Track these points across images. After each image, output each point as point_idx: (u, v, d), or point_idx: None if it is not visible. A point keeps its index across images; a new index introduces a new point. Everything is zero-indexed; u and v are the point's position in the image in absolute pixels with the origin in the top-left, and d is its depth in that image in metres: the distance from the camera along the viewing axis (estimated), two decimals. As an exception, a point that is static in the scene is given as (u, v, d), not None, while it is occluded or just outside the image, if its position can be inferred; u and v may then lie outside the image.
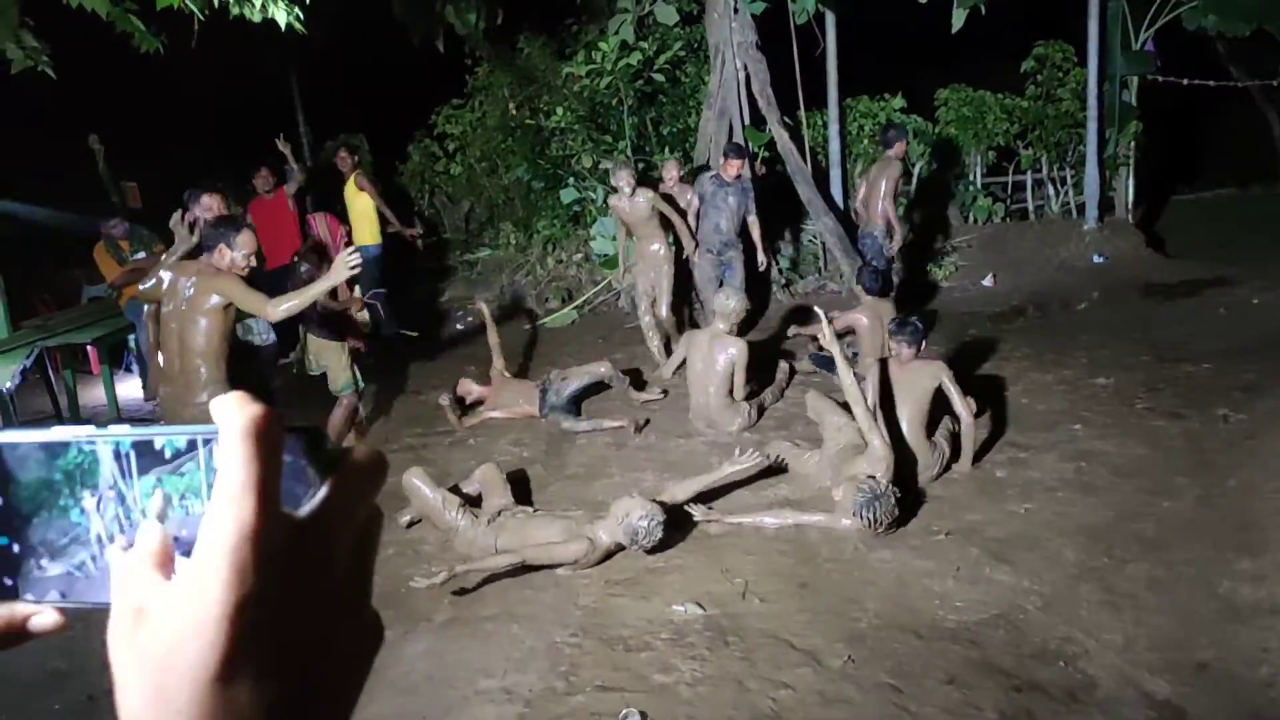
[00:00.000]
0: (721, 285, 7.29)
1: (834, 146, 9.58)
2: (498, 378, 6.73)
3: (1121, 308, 8.09)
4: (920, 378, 5.07)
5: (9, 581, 0.48)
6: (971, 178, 10.32)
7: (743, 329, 6.36)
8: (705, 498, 4.82)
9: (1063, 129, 10.00)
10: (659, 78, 9.40)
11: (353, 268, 4.46)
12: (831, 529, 4.53)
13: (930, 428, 5.12)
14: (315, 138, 11.64)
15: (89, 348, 7.55)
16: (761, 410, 6.23)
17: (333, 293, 5.57)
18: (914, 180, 9.91)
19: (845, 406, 5.38)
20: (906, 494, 4.68)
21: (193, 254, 4.73)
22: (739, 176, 7.42)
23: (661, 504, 4.38)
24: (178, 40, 5.35)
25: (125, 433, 0.47)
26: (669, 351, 7.19)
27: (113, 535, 0.47)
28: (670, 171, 7.73)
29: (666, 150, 9.59)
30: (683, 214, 7.42)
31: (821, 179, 9.44)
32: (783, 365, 6.79)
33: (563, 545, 4.31)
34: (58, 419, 7.04)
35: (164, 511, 0.46)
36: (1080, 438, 5.44)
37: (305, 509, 0.45)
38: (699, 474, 4.87)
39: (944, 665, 3.49)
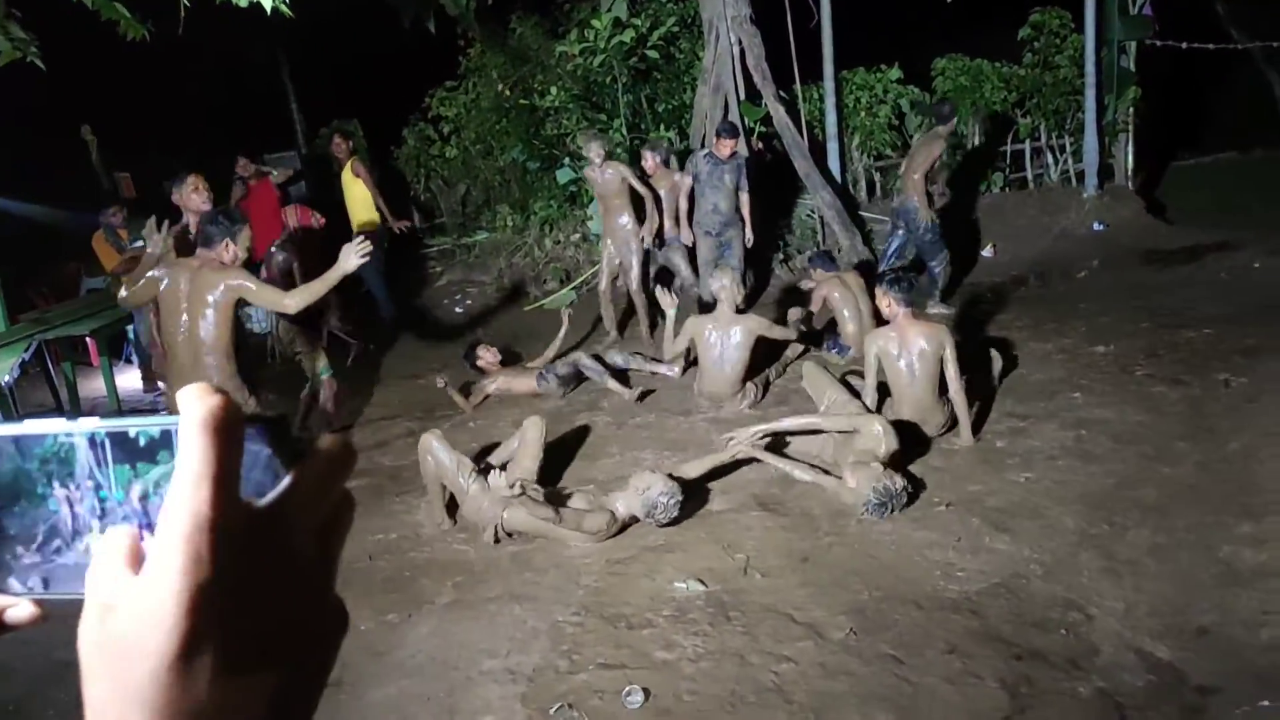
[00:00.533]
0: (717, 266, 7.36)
1: (830, 120, 9.52)
2: (520, 366, 6.89)
3: (1122, 275, 8.06)
4: (928, 341, 5.03)
5: None
6: (969, 147, 10.25)
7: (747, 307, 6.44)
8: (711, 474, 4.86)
9: (1061, 96, 9.93)
10: (653, 54, 9.33)
11: (363, 256, 4.46)
12: (838, 495, 4.55)
13: (942, 387, 5.12)
14: (308, 124, 11.61)
15: (88, 339, 7.55)
16: (767, 386, 6.24)
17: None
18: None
19: (841, 381, 5.40)
20: (911, 455, 4.70)
21: (186, 250, 4.73)
22: (733, 154, 7.38)
23: (679, 480, 4.44)
24: (166, 30, 5.31)
25: (99, 425, 0.47)
26: (622, 328, 7.75)
27: (90, 525, 0.47)
28: (648, 161, 7.79)
29: (662, 127, 9.53)
30: (657, 196, 7.51)
31: (819, 153, 9.39)
32: (794, 346, 6.78)
33: (589, 515, 4.37)
34: (58, 411, 7.05)
35: (144, 501, 0.46)
36: (1080, 406, 5.42)
37: (267, 498, 0.45)
38: (703, 452, 4.90)
39: (945, 635, 3.49)
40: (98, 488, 0.47)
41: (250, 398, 4.68)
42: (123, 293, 4.77)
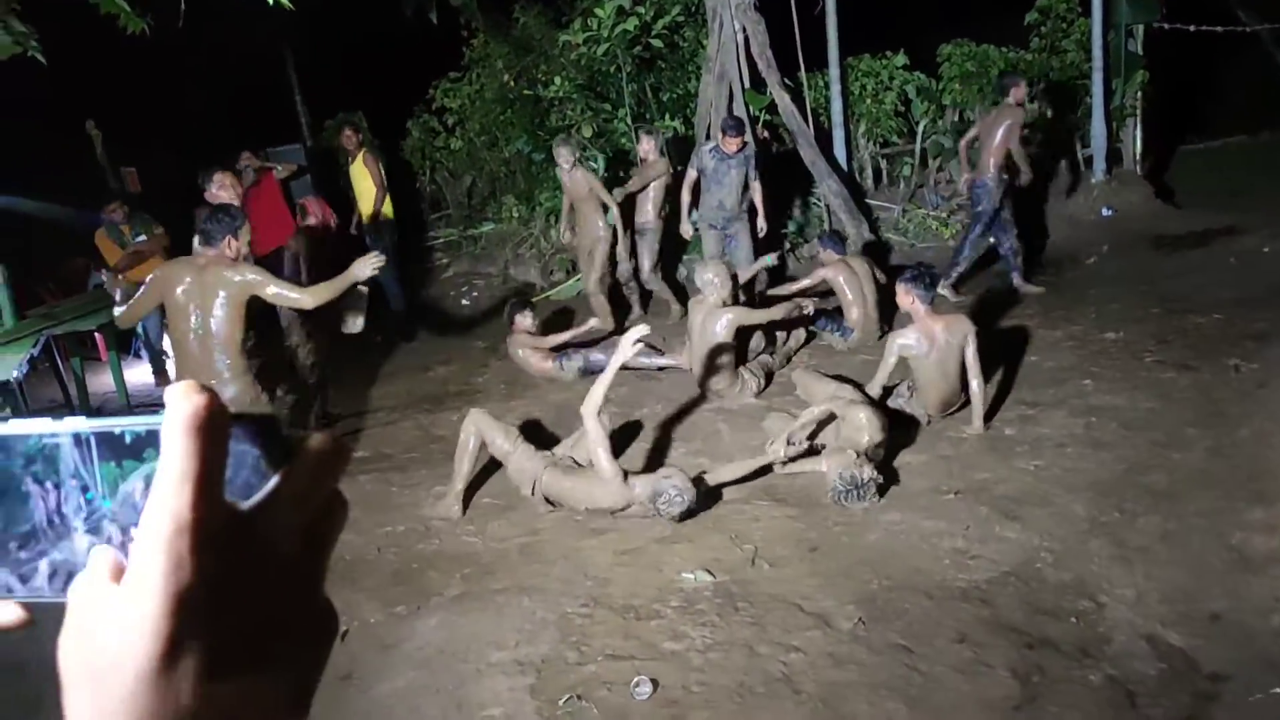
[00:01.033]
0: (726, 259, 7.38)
1: (836, 107, 9.46)
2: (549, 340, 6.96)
3: (1130, 260, 8.00)
4: (952, 333, 5.06)
5: None
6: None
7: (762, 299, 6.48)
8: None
9: (1068, 81, 9.84)
10: (657, 43, 9.28)
11: (374, 269, 4.47)
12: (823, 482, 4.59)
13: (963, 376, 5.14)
14: (313, 117, 11.58)
15: (96, 335, 7.56)
16: (770, 376, 6.22)
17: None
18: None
19: (835, 378, 5.42)
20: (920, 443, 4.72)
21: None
22: (740, 149, 7.31)
23: (699, 482, 4.48)
24: (169, 23, 5.30)
25: (85, 425, 0.46)
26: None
27: (74, 526, 0.46)
28: (644, 145, 7.85)
29: (667, 116, 9.49)
30: (622, 193, 7.64)
31: (824, 140, 9.34)
32: (797, 333, 6.76)
33: (605, 485, 4.43)
34: (68, 407, 7.07)
35: (130, 501, 0.45)
36: (1089, 393, 5.39)
37: (253, 499, 0.44)
38: (713, 444, 4.93)
39: (955, 624, 3.48)
40: (84, 488, 0.46)
41: (263, 395, 4.68)
42: (117, 311, 4.80)
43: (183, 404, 0.43)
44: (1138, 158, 10.07)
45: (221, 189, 5.63)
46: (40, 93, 7.35)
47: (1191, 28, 9.77)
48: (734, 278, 6.93)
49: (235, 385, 4.47)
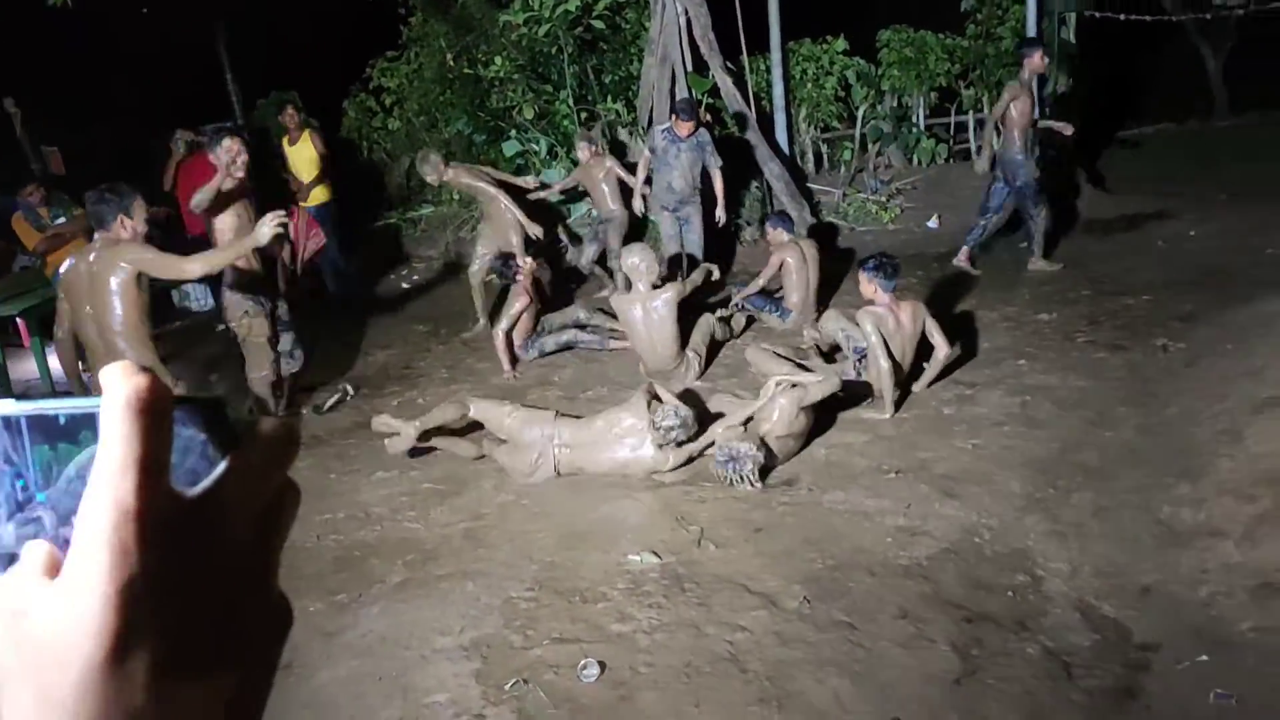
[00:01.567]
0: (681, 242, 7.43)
1: (778, 91, 9.49)
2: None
3: (1063, 244, 8.18)
4: (913, 320, 5.24)
5: None
6: (914, 119, 10.31)
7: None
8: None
9: (1003, 68, 9.99)
10: (599, 24, 9.20)
11: (277, 227, 4.35)
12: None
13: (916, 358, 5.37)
14: (245, 96, 11.27)
15: (17, 320, 7.28)
16: (712, 349, 6.26)
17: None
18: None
19: (785, 357, 5.46)
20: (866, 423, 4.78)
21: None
22: (693, 133, 7.27)
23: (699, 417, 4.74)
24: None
25: (15, 407, 0.44)
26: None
27: (11, 512, 0.44)
28: (583, 153, 7.94)
29: (609, 99, 9.43)
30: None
31: (766, 124, 9.37)
32: (738, 318, 6.80)
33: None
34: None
35: (68, 487, 0.43)
36: (1025, 373, 5.51)
37: (200, 486, 0.42)
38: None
39: (897, 600, 3.54)
40: (17, 475, 0.44)
41: (178, 383, 4.56)
42: (59, 333, 4.73)
43: (122, 385, 0.40)
44: (1071, 143, 10.28)
45: (228, 154, 5.19)
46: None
47: (1121, 17, 10.01)
48: (673, 260, 6.95)
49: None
